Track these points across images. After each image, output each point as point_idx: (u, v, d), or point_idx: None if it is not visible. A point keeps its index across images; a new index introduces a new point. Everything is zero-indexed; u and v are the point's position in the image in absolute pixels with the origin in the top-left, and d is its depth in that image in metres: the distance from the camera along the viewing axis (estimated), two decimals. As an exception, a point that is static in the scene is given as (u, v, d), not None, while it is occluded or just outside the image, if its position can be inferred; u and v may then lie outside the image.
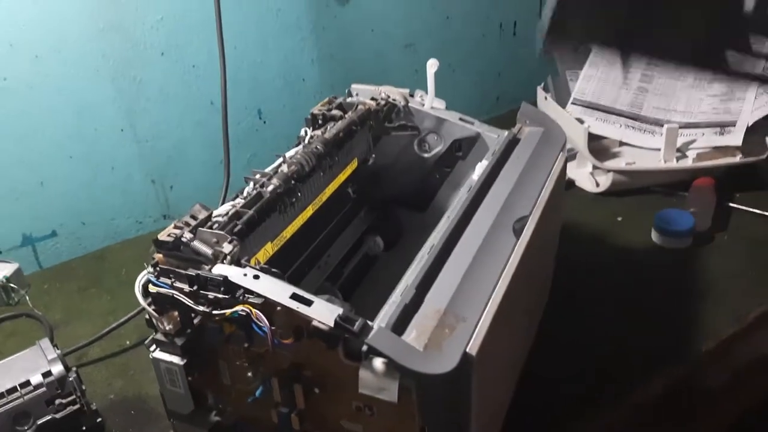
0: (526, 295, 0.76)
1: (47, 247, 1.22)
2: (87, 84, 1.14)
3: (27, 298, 1.09)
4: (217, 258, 0.63)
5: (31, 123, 1.12)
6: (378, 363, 0.56)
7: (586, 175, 1.31)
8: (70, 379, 0.79)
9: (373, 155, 0.95)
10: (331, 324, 0.57)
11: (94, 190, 1.23)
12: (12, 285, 1.08)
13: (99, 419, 0.81)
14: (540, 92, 1.40)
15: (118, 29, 1.14)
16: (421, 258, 0.67)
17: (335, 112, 0.90)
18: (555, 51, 1.46)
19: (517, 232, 0.69)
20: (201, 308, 0.61)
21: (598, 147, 1.31)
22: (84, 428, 0.80)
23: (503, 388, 0.74)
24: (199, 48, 1.22)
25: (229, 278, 0.60)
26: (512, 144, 0.87)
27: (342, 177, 0.90)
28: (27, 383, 0.77)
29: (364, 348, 0.54)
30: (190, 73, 1.24)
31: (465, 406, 0.57)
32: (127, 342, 0.99)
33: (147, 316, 0.65)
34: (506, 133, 0.89)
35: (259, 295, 0.59)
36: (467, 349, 0.55)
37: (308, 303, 0.59)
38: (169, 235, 0.65)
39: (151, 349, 0.67)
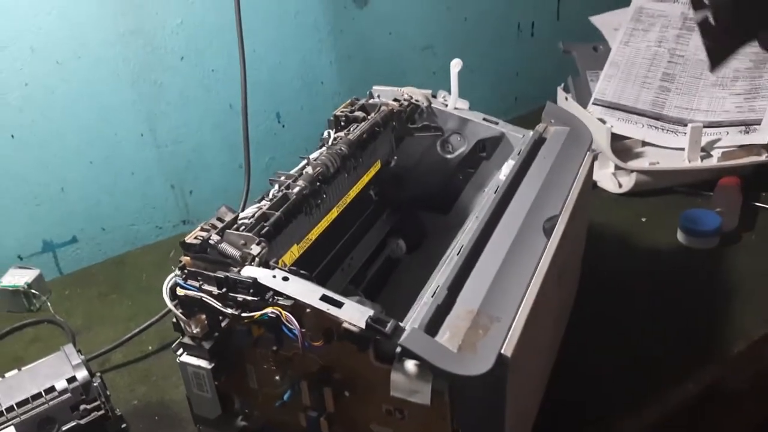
0: (557, 296, 0.75)
1: (68, 253, 1.22)
2: (107, 88, 1.14)
3: (48, 304, 1.09)
4: (245, 260, 0.62)
5: (52, 128, 1.12)
6: (410, 365, 0.55)
7: (608, 176, 1.29)
8: (95, 384, 0.78)
9: (395, 157, 0.95)
10: (363, 326, 0.56)
11: (114, 195, 1.23)
12: (33, 291, 1.08)
13: (124, 425, 0.80)
14: (560, 93, 1.39)
15: (138, 34, 1.14)
16: (451, 258, 0.66)
17: (358, 113, 0.89)
18: (575, 51, 1.45)
19: (548, 232, 0.68)
20: (229, 311, 0.60)
21: (621, 147, 1.29)
22: (109, 434, 0.79)
23: (535, 389, 0.73)
24: (218, 52, 1.22)
25: (259, 280, 0.59)
26: (538, 143, 0.85)
27: (365, 179, 0.89)
28: (52, 389, 0.77)
29: (398, 350, 0.53)
30: (209, 76, 1.24)
31: (499, 407, 0.56)
32: (149, 347, 0.98)
33: (174, 320, 0.65)
34: (531, 132, 0.88)
35: (288, 297, 0.58)
36: (502, 350, 0.54)
37: (339, 305, 0.58)
38: (196, 238, 0.64)
39: (178, 353, 0.66)
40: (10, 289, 1.07)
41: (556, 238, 0.68)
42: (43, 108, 1.10)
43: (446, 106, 0.94)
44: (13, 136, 1.09)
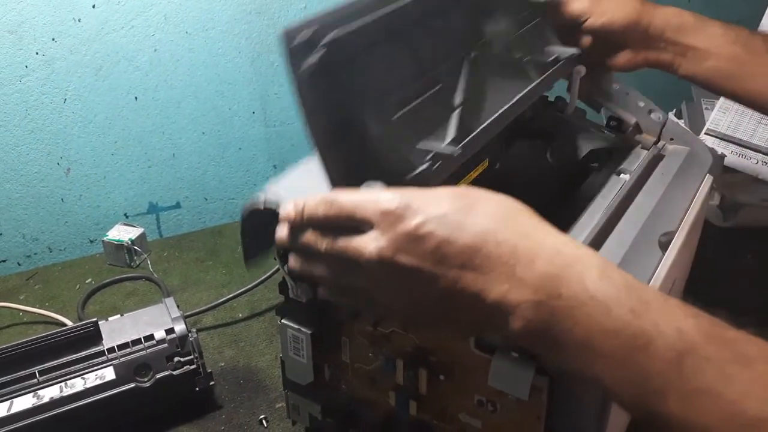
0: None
1: (170, 217, 1.27)
2: (228, 64, 1.19)
3: (148, 262, 1.13)
4: (357, 232, 0.63)
5: (172, 95, 1.17)
6: (513, 356, 0.55)
7: (713, 208, 1.25)
8: (191, 339, 0.81)
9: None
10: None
11: (220, 167, 1.27)
12: (135, 248, 1.13)
13: (212, 383, 0.83)
14: (672, 117, 1.35)
15: (263, 14, 1.17)
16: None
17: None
18: (691, 78, 1.41)
19: (664, 246, 0.66)
20: (337, 279, 0.61)
21: (731, 180, 1.25)
22: (197, 389, 0.82)
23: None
24: (335, 40, 1.25)
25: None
26: (656, 160, 0.83)
27: (473, 175, 0.89)
28: (151, 337, 0.80)
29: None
30: (323, 63, 1.26)
31: (600, 412, 0.55)
32: (239, 315, 1.01)
33: (281, 281, 0.66)
34: (649, 148, 0.86)
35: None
36: (611, 354, 0.52)
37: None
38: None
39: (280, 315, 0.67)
40: (115, 243, 1.13)
41: (673, 252, 0.66)
42: (167, 75, 1.15)
43: (562, 112, 0.93)
44: (136, 98, 1.15)
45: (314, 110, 0.55)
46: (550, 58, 0.80)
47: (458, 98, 0.66)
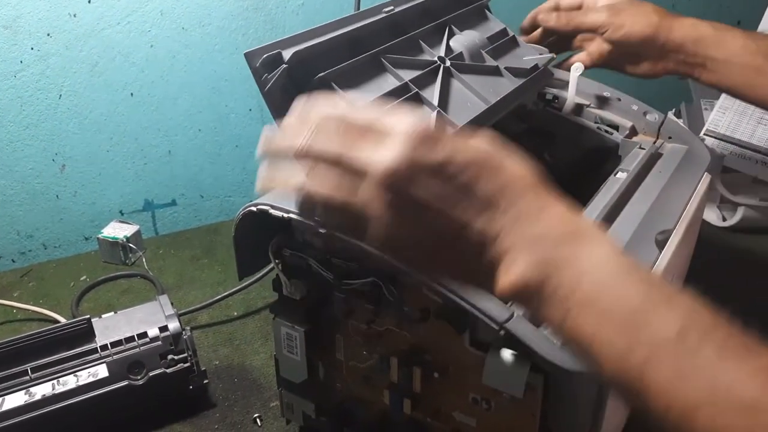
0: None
1: (166, 214, 1.26)
2: (225, 60, 1.18)
3: (143, 259, 1.12)
4: (351, 229, 0.63)
5: (168, 91, 1.16)
6: (507, 354, 0.54)
7: (712, 208, 1.24)
8: (184, 337, 0.81)
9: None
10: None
11: (217, 165, 1.26)
12: (131, 245, 1.12)
13: (206, 381, 0.82)
14: (671, 117, 1.34)
15: (260, 10, 1.17)
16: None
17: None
18: (691, 78, 1.40)
19: (660, 244, 0.66)
20: (331, 276, 0.61)
21: (730, 180, 1.24)
22: (191, 387, 0.81)
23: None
24: (333, 37, 1.24)
25: (364, 248, 0.59)
26: (654, 158, 0.83)
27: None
28: (144, 334, 0.80)
29: (502, 332, 0.52)
30: (320, 61, 1.26)
31: (595, 409, 0.54)
32: (234, 313, 1.00)
33: (274, 278, 0.65)
34: (647, 147, 0.85)
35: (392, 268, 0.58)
36: (608, 352, 0.52)
37: (441, 283, 0.57)
38: (305, 202, 0.65)
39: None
40: (110, 240, 1.12)
41: (669, 250, 0.65)
42: (163, 71, 1.14)
43: (559, 110, 0.92)
44: (132, 94, 1.14)
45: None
46: (530, 66, 0.81)
47: (435, 102, 0.67)
